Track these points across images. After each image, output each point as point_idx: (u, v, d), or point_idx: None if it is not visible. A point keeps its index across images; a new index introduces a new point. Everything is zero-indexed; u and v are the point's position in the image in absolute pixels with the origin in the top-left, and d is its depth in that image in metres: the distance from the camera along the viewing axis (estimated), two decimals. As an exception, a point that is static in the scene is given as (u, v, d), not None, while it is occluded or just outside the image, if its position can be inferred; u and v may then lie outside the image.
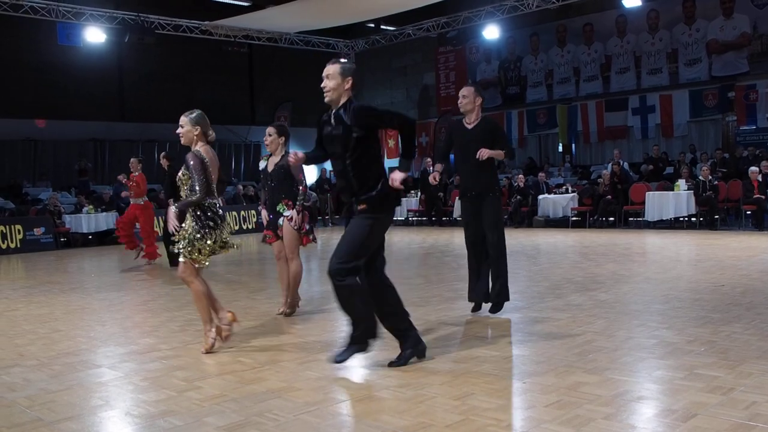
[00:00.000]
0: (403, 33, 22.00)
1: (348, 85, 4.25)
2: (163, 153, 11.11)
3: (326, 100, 4.26)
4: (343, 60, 4.39)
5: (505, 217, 17.02)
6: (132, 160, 11.31)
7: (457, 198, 14.85)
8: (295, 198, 5.90)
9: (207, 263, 4.85)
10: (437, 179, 5.75)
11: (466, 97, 5.72)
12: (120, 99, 22.39)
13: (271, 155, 6.06)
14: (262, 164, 6.12)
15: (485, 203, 5.69)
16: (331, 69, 4.26)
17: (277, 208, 5.98)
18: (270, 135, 5.95)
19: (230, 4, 20.05)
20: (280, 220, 5.96)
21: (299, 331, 5.51)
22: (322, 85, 4.25)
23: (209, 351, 4.80)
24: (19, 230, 14.78)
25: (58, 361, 4.78)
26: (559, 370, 4.05)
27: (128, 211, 11.48)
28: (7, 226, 14.66)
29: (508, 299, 5.84)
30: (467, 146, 5.71)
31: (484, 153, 5.55)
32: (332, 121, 4.23)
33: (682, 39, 18.83)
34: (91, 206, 16.22)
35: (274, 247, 6.16)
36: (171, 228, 4.84)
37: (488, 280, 5.82)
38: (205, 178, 4.72)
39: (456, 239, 14.02)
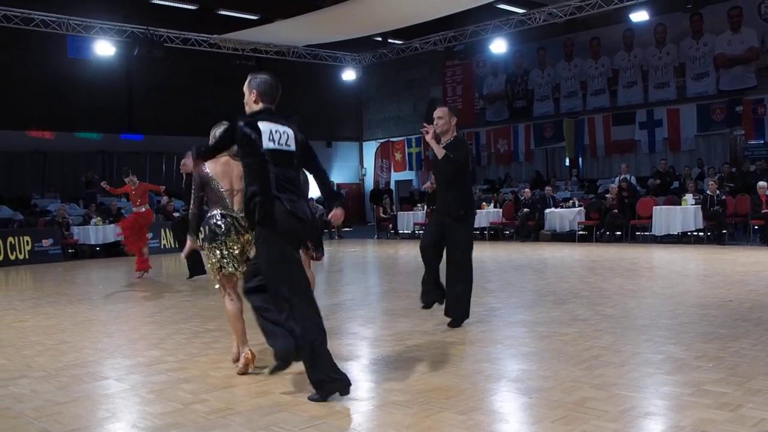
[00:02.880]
0: (410, 47, 22.10)
1: (254, 97, 4.17)
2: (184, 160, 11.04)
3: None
4: (256, 74, 4.28)
5: (512, 230, 17.04)
6: (126, 179, 11.29)
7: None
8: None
9: (236, 278, 4.71)
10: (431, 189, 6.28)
11: (442, 118, 5.91)
12: (128, 111, 22.54)
13: None
14: None
15: (452, 227, 5.81)
16: (244, 85, 4.23)
17: None
18: None
19: (239, 17, 20.21)
20: None
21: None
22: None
23: (235, 362, 4.78)
24: (27, 242, 14.88)
25: (66, 372, 4.80)
26: (565, 386, 4.03)
27: (131, 217, 11.67)
28: (16, 238, 14.75)
29: (467, 317, 5.96)
30: (437, 166, 5.95)
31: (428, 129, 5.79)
32: None
33: (689, 53, 18.86)
34: (98, 218, 16.30)
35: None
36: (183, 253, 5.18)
37: (442, 288, 5.97)
38: (196, 194, 4.85)
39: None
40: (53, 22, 17.14)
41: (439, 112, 5.98)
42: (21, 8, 16.62)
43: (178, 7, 19.92)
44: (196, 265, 10.29)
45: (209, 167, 4.90)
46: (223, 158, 4.98)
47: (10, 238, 14.65)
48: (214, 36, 19.50)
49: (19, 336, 6.30)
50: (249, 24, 19.37)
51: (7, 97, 19.47)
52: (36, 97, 20.13)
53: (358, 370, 4.77)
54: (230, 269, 4.66)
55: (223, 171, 4.92)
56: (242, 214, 4.79)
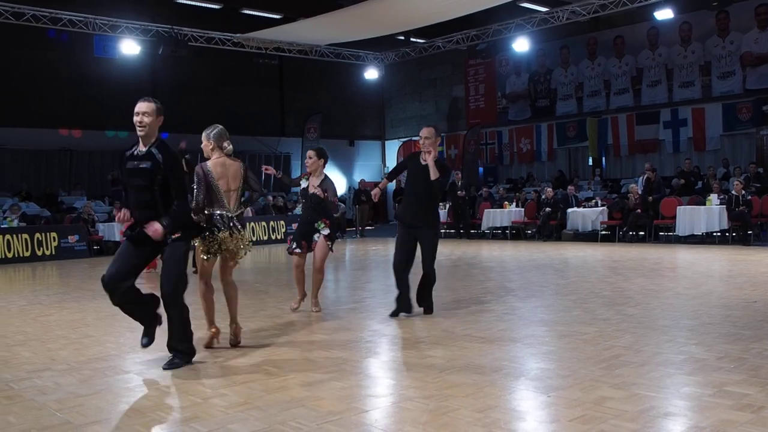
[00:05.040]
0: (432, 45, 22.06)
1: (159, 123, 4.69)
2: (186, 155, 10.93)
3: (141, 134, 4.63)
4: (154, 100, 4.79)
5: (534, 230, 16.97)
6: None
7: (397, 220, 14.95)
8: (330, 217, 6.62)
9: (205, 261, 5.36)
10: (376, 198, 6.51)
11: (429, 138, 6.16)
12: (153, 110, 22.75)
13: (310, 175, 6.60)
14: (303, 183, 6.62)
15: (423, 237, 6.19)
16: (146, 107, 4.67)
17: (315, 225, 6.61)
18: (311, 158, 6.55)
19: (262, 16, 20.34)
20: (316, 236, 6.63)
21: (324, 340, 5.54)
22: (137, 120, 4.62)
23: (206, 347, 5.29)
24: (54, 238, 15.12)
25: (88, 366, 4.87)
26: (584, 385, 4.01)
27: None
28: (43, 234, 15.00)
29: (432, 312, 6.46)
30: (417, 179, 6.17)
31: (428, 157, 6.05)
32: (140, 156, 4.60)
33: (715, 51, 18.59)
34: (123, 215, 16.48)
35: (298, 256, 6.76)
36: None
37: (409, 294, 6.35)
38: (200, 190, 5.13)
39: (483, 252, 13.96)
40: (80, 22, 17.40)
41: (425, 132, 6.17)
42: (49, 8, 16.90)
43: (202, 7, 20.10)
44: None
45: (210, 166, 5.10)
46: (220, 159, 5.20)
47: (38, 234, 14.90)
48: (238, 35, 19.64)
49: (44, 330, 6.41)
50: (272, 23, 19.48)
51: (35, 96, 19.79)
52: (63, 96, 20.42)
53: (377, 367, 4.79)
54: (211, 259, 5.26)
55: (221, 172, 5.14)
56: (236, 213, 5.25)
